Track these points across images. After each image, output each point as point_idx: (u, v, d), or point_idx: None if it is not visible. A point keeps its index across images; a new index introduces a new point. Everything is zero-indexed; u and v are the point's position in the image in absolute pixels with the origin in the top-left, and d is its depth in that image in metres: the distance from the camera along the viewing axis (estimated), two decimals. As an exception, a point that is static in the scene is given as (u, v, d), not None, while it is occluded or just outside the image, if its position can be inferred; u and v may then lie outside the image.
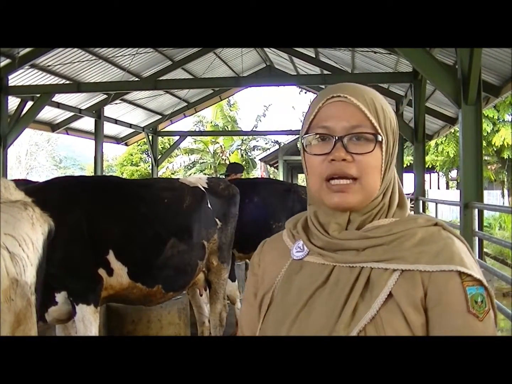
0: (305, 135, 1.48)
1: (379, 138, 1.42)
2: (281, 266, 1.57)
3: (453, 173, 38.85)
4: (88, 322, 4.55)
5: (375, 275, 1.39)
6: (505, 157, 28.86)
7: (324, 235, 1.49)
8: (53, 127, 17.93)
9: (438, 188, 43.44)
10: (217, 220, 5.69)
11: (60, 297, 4.52)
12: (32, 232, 3.04)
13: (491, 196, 32.95)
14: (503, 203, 31.98)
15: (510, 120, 28.90)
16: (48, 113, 16.35)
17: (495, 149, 28.52)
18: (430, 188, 40.72)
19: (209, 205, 5.60)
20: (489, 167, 30.60)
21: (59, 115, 17.34)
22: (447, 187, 44.34)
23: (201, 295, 6.14)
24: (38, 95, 13.55)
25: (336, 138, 1.41)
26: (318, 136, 1.46)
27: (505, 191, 33.12)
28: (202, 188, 5.65)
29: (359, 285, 1.38)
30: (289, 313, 1.45)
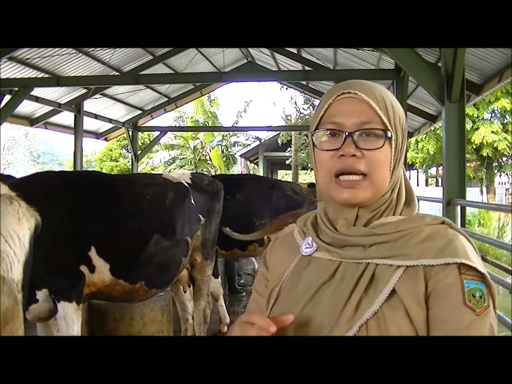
0: (315, 131, 1.49)
1: (389, 134, 1.43)
2: (290, 262, 1.60)
3: (433, 170, 39.11)
4: (70, 319, 4.50)
5: (380, 271, 1.40)
6: (484, 155, 29.19)
7: (332, 231, 1.50)
8: (31, 121, 17.74)
9: (418, 185, 43.66)
10: (200, 216, 5.65)
11: (41, 294, 4.46)
12: (19, 227, 2.98)
13: (470, 193, 33.12)
14: (482, 200, 32.29)
15: (489, 118, 29.18)
16: (26, 107, 16.18)
17: (474, 147, 28.82)
18: (410, 185, 40.88)
19: (193, 201, 5.56)
20: (468, 164, 30.86)
21: (38, 109, 17.16)
22: (427, 184, 44.63)
23: (184, 292, 6.11)
24: (16, 89, 13.40)
25: (346, 133, 1.42)
26: (328, 132, 1.46)
27: (484, 189, 33.39)
28: (186, 184, 5.61)
29: (364, 280, 1.40)
30: (295, 307, 1.46)
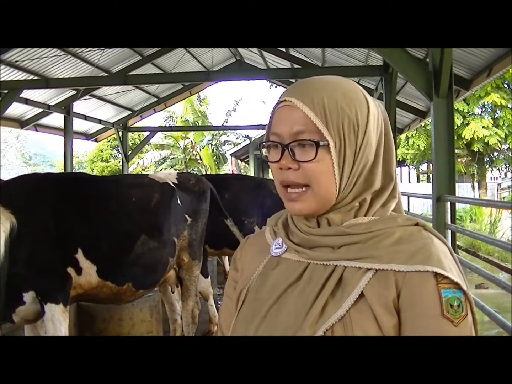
0: (263, 142, 1.46)
1: (321, 143, 1.35)
2: (259, 262, 1.54)
3: (424, 167, 39.13)
4: (57, 321, 4.50)
5: (348, 273, 1.34)
6: (475, 150, 29.14)
7: (301, 231, 1.45)
8: (21, 123, 17.73)
9: (409, 182, 43.69)
10: (187, 216, 5.63)
11: (28, 296, 4.46)
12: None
13: (462, 189, 33.18)
14: (474, 195, 32.25)
15: (480, 113, 29.23)
16: (16, 109, 16.17)
17: (465, 142, 28.83)
18: (401, 181, 40.93)
19: (179, 201, 5.54)
20: (459, 160, 30.89)
21: (28, 111, 17.16)
22: (418, 180, 44.62)
23: (173, 292, 6.10)
24: (5, 91, 13.37)
25: (283, 145, 1.38)
26: (271, 143, 1.43)
27: (475, 184, 33.44)
28: (172, 184, 5.60)
29: (331, 283, 1.34)
30: (259, 310, 1.41)
